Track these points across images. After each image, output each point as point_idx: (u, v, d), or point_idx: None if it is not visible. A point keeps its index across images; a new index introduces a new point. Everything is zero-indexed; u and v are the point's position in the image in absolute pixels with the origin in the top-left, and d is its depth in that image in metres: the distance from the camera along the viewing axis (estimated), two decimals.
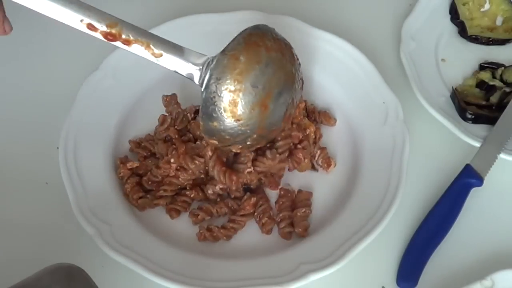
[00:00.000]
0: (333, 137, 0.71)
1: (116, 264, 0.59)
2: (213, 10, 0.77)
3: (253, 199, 0.64)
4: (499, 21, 0.81)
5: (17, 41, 0.78)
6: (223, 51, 0.57)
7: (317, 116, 0.71)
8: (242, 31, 0.58)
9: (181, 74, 0.58)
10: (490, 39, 0.79)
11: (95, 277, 0.47)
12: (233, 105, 0.57)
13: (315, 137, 0.69)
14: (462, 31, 0.80)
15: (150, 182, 0.66)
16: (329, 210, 0.65)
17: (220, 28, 0.76)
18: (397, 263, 0.62)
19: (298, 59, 0.62)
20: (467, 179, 0.65)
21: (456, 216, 0.64)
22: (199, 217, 0.64)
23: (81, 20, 0.55)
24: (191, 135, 0.67)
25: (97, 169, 0.66)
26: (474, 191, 0.65)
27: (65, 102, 0.70)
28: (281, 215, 0.64)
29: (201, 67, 0.58)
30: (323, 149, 0.68)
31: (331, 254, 0.59)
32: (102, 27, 0.56)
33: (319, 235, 0.62)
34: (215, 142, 0.60)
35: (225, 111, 0.57)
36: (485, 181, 0.65)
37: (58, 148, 0.66)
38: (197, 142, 0.65)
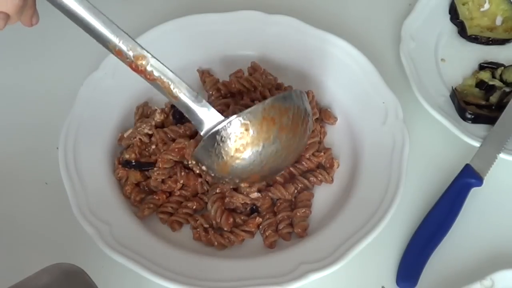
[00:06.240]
0: (333, 137, 0.71)
1: (116, 264, 0.59)
2: (213, 10, 0.77)
3: (259, 219, 0.63)
4: (498, 21, 0.81)
5: (17, 41, 0.78)
6: (238, 116, 0.56)
7: (319, 113, 0.71)
8: (269, 99, 0.57)
9: (190, 120, 0.59)
10: (490, 39, 0.79)
11: (95, 277, 0.47)
12: (225, 165, 0.58)
13: (320, 136, 0.69)
14: (462, 31, 0.80)
15: (147, 188, 0.66)
16: (329, 210, 0.65)
17: (220, 28, 0.76)
18: (397, 263, 0.62)
19: (312, 129, 0.62)
20: (466, 179, 0.65)
21: (456, 216, 0.64)
22: (198, 221, 0.63)
23: (111, 44, 0.55)
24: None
25: (97, 169, 0.66)
26: (474, 191, 0.65)
27: (65, 102, 0.70)
28: (279, 216, 0.64)
29: (211, 122, 0.58)
30: (327, 149, 0.68)
31: (331, 254, 0.59)
32: (129, 57, 0.56)
33: (319, 235, 0.62)
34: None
35: (217, 165, 0.58)
36: (485, 181, 0.65)
37: (58, 148, 0.66)
38: None
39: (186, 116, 0.59)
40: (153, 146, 0.66)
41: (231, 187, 0.63)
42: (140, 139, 0.67)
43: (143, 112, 0.71)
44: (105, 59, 0.72)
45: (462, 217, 0.64)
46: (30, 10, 0.56)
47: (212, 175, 0.60)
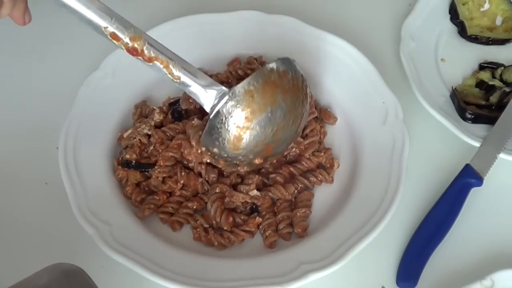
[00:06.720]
0: (333, 136, 0.71)
1: (116, 264, 0.59)
2: (213, 10, 0.77)
3: (259, 219, 0.63)
4: (498, 21, 0.81)
5: (17, 41, 0.78)
6: (240, 86, 0.57)
7: (318, 113, 0.71)
8: (266, 65, 0.58)
9: (193, 98, 0.59)
10: (490, 39, 0.79)
11: (95, 277, 0.47)
12: (237, 139, 0.58)
13: (320, 136, 0.69)
14: (462, 31, 0.80)
15: (147, 189, 0.66)
16: (329, 210, 0.65)
17: (220, 28, 0.76)
18: (397, 263, 0.62)
19: (311, 96, 0.62)
20: (467, 179, 0.65)
21: (456, 216, 0.64)
22: (198, 221, 0.63)
23: (105, 28, 0.54)
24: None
25: (97, 169, 0.66)
26: (474, 191, 0.65)
27: (65, 102, 0.70)
28: (279, 216, 0.64)
29: (215, 97, 0.58)
30: (327, 149, 0.68)
31: (331, 254, 0.59)
32: (126, 39, 0.55)
33: (319, 235, 0.62)
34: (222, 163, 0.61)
35: (228, 142, 0.59)
36: (485, 181, 0.66)
37: (58, 148, 0.66)
38: None
39: (190, 95, 0.59)
40: (151, 147, 0.66)
41: (246, 169, 0.63)
42: (140, 139, 0.66)
43: (142, 111, 0.70)
44: (105, 59, 0.72)
45: (462, 217, 0.64)
46: (22, 3, 0.55)
47: (225, 156, 0.60)
